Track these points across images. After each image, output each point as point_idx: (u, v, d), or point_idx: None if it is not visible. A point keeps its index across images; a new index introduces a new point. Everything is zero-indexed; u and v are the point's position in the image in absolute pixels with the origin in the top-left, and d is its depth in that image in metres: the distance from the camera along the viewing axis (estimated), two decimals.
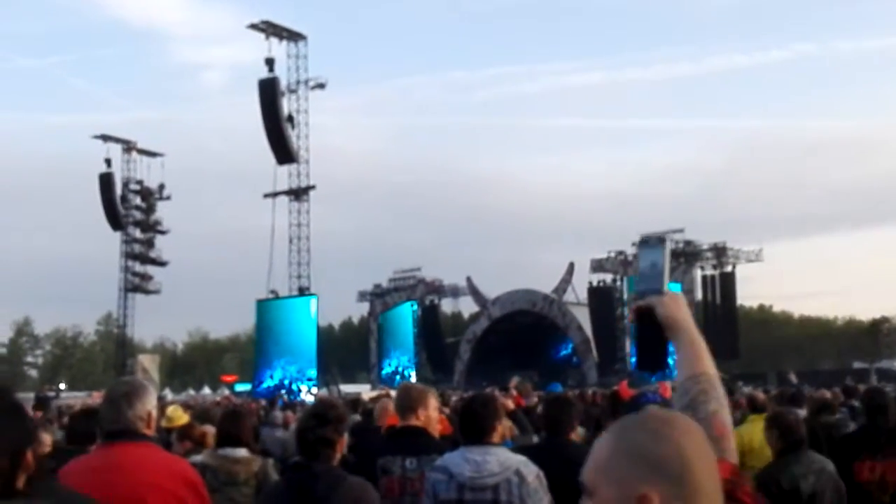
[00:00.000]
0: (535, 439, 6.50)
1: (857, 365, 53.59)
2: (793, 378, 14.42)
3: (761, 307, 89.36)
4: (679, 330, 1.98)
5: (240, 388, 55.14)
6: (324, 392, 38.70)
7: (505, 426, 4.43)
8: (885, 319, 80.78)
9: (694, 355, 1.98)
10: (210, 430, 5.97)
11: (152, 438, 3.42)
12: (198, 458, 5.12)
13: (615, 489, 1.44)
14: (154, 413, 3.42)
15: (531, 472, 3.88)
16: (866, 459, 5.13)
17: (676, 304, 1.98)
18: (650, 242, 2.07)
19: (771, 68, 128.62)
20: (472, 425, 4.03)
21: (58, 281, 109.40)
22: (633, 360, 47.54)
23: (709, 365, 1.99)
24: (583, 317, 51.58)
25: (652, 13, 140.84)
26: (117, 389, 3.44)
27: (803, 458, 4.69)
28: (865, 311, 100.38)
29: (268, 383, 44.61)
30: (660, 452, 1.45)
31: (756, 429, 6.27)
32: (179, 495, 3.25)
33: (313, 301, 46.64)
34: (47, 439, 5.68)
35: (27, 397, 42.63)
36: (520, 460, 3.95)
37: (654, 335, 2.00)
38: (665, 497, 1.41)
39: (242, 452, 4.97)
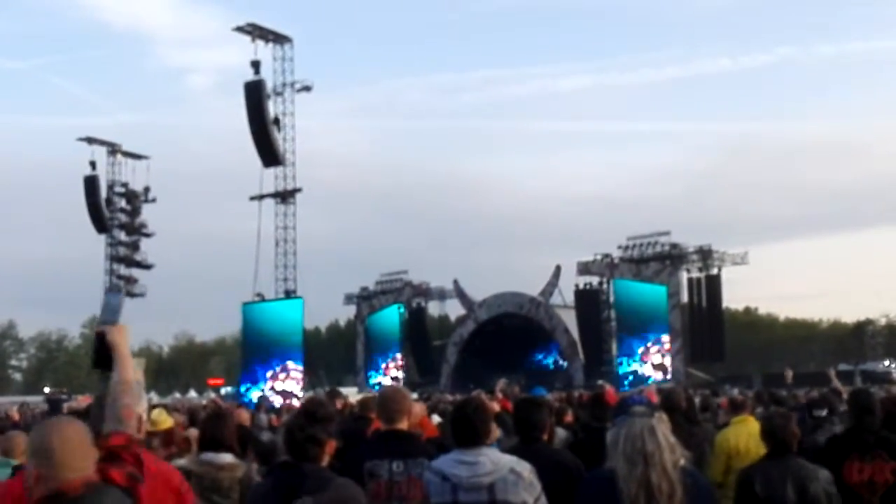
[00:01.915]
0: None
1: (841, 367, 53.83)
2: (788, 375, 14.36)
3: (747, 309, 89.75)
4: (116, 349, 3.20)
5: (226, 391, 54.95)
6: (309, 395, 38.57)
7: (493, 429, 4.43)
8: (869, 322, 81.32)
9: (121, 367, 3.17)
10: (194, 434, 5.91)
11: (141, 442, 3.38)
12: (181, 461, 5.07)
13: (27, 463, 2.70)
14: (144, 417, 3.39)
15: (525, 468, 3.90)
16: (855, 461, 5.13)
17: (119, 333, 3.23)
18: (113, 289, 4.83)
19: (756, 72, 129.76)
20: (465, 430, 4.03)
21: (42, 284, 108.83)
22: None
23: (129, 374, 3.17)
24: (569, 319, 51.65)
25: (639, 18, 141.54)
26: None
27: (786, 463, 4.65)
28: (850, 314, 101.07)
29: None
30: (35, 440, 2.69)
31: (740, 431, 6.25)
32: (163, 500, 3.22)
33: (300, 304, 46.54)
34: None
35: (14, 401, 42.36)
36: (511, 459, 3.97)
37: (104, 348, 3.23)
38: (36, 465, 2.62)
39: (227, 458, 4.90)
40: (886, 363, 55.52)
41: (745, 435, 5.95)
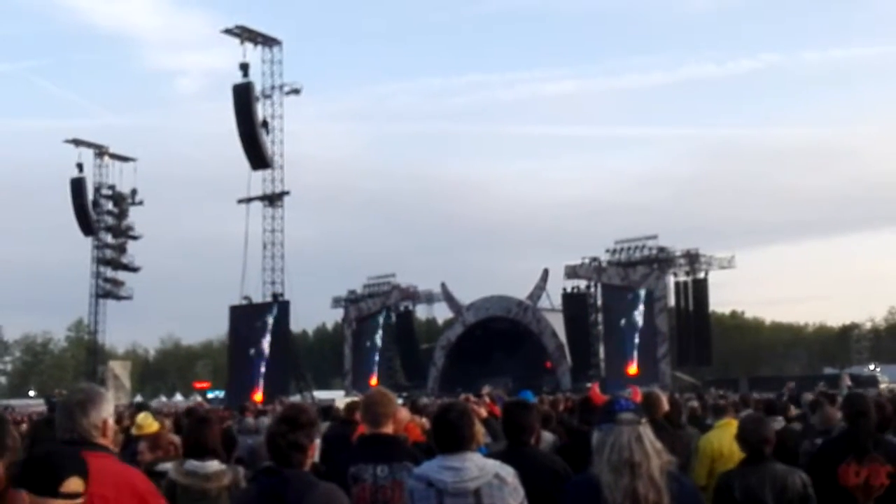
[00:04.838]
0: None
1: (827, 371, 54.11)
2: (790, 386, 14.48)
3: (733, 313, 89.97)
4: None
5: (212, 394, 54.78)
6: (297, 398, 38.54)
7: (479, 433, 4.42)
8: (854, 326, 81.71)
9: None
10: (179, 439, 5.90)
11: (106, 448, 3.35)
12: (167, 465, 5.05)
13: None
14: (111, 421, 3.36)
15: (509, 472, 3.90)
16: (851, 463, 5.16)
17: None
18: None
19: (741, 78, 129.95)
20: (448, 435, 4.02)
21: (28, 286, 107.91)
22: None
23: None
24: (557, 323, 51.75)
25: (626, 23, 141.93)
26: (72, 397, 3.38)
27: (764, 467, 4.66)
28: (835, 318, 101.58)
29: None
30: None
31: (724, 434, 6.28)
32: None
33: (287, 307, 46.53)
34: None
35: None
36: (495, 464, 3.95)
37: None
38: None
39: (213, 466, 4.88)
40: (871, 367, 55.82)
41: (728, 438, 5.98)
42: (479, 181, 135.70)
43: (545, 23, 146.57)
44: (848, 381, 19.71)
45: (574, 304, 51.51)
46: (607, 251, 50.42)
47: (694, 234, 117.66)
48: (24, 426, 12.51)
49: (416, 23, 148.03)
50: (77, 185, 55.91)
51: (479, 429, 5.64)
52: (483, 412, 7.76)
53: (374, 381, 52.33)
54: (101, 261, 56.86)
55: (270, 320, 46.50)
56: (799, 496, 4.53)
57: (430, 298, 59.07)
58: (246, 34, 46.46)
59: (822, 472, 4.88)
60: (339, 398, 28.85)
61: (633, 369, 46.65)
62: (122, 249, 57.02)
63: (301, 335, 77.40)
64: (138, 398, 54.98)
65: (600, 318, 50.99)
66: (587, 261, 50.72)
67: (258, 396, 40.86)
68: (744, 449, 4.84)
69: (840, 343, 78.09)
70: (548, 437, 7.31)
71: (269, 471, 3.58)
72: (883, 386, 34.07)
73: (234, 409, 19.14)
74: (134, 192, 56.75)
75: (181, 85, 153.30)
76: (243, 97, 45.72)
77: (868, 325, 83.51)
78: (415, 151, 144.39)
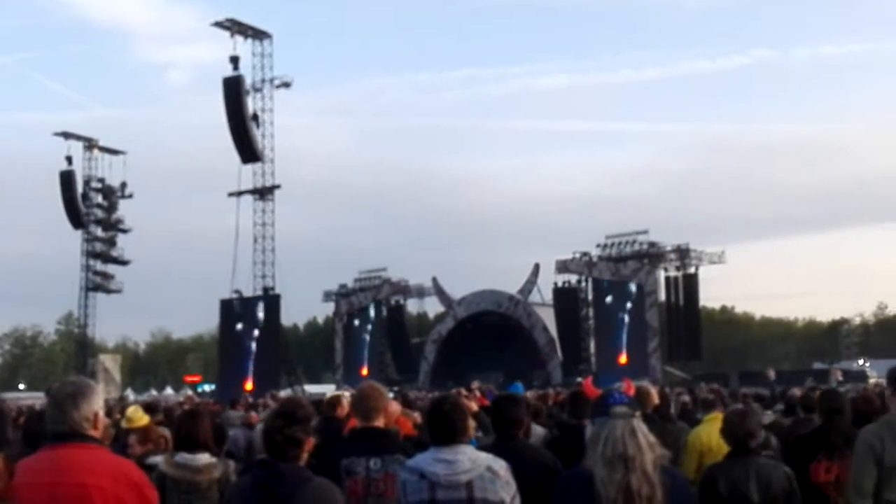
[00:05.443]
0: None
1: (816, 366, 54.35)
2: (771, 374, 14.58)
3: (724, 308, 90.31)
4: None
5: (203, 388, 54.72)
6: (288, 392, 38.52)
7: (470, 426, 4.44)
8: (843, 321, 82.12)
9: None
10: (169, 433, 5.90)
11: (98, 440, 3.36)
12: (157, 458, 5.05)
13: None
14: (101, 413, 3.37)
15: (501, 466, 3.92)
16: (822, 460, 5.18)
17: None
18: None
19: (733, 74, 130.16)
20: (442, 427, 4.03)
21: (17, 280, 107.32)
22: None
23: None
24: (548, 317, 51.84)
25: (618, 19, 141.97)
26: (62, 390, 3.37)
27: (748, 461, 4.66)
28: (825, 313, 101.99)
29: None
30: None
31: (713, 428, 6.31)
32: (122, 497, 3.23)
33: (278, 301, 46.49)
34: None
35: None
36: (488, 457, 3.97)
37: None
38: None
39: (204, 459, 4.88)
40: (861, 362, 56.09)
41: (717, 432, 6.01)
42: (470, 176, 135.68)
43: (537, 17, 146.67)
44: (839, 376, 19.90)
45: (565, 299, 51.60)
46: (598, 246, 50.52)
47: (684, 230, 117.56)
48: (22, 419, 12.47)
49: (406, 17, 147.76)
50: (66, 178, 55.66)
51: (471, 422, 5.66)
52: (474, 406, 7.80)
53: (364, 374, 52.36)
54: (90, 254, 56.67)
55: (261, 314, 46.47)
56: (783, 490, 4.54)
57: (421, 292, 59.08)
58: (236, 27, 46.34)
59: (793, 468, 4.89)
60: (330, 392, 28.77)
61: (623, 362, 46.83)
62: (111, 243, 56.84)
63: (292, 329, 77.32)
64: (129, 392, 54.90)
65: (591, 312, 51.08)
66: (578, 255, 50.82)
67: (248, 386, 40.86)
68: (728, 443, 4.84)
69: (829, 338, 78.45)
70: (538, 430, 7.33)
71: (264, 463, 3.59)
72: (872, 381, 34.35)
73: (225, 402, 19.10)
74: (123, 185, 56.57)
75: (171, 78, 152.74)
76: (233, 90, 45.62)
77: (857, 321, 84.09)
78: (407, 146, 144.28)
